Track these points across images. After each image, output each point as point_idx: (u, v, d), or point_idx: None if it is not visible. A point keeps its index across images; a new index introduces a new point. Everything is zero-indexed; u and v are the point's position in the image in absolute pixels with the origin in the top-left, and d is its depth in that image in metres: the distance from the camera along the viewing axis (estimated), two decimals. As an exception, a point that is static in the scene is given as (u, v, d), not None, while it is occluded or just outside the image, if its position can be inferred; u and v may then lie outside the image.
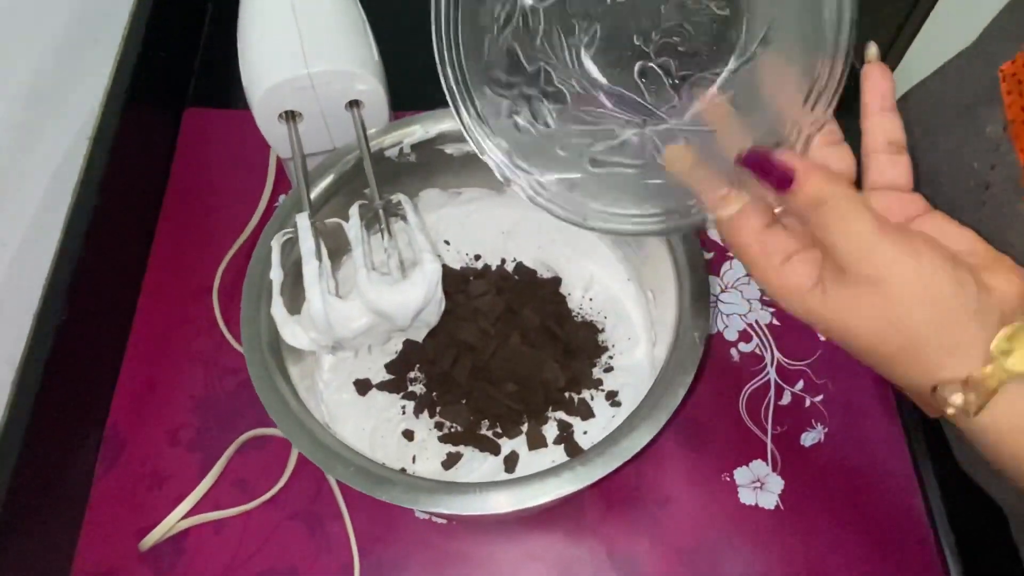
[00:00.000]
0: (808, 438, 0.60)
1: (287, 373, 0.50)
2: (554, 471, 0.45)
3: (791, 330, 0.64)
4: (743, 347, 0.63)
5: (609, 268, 0.61)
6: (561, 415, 0.56)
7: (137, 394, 0.62)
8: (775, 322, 0.64)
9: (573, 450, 0.54)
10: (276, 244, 0.52)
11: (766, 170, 0.36)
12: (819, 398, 0.61)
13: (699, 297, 0.49)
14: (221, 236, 0.67)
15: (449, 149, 0.58)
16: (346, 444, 0.47)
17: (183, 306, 0.65)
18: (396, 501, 0.44)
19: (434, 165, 0.59)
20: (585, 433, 0.55)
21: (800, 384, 0.62)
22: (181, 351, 0.63)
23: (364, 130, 0.54)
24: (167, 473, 0.59)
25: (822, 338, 0.63)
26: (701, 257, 0.50)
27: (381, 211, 0.53)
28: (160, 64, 0.72)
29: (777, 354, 0.63)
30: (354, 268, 0.51)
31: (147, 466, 0.59)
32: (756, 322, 0.64)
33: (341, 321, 0.50)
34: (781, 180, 0.35)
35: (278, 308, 0.50)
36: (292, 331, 0.50)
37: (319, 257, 0.51)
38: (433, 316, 0.52)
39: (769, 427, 0.60)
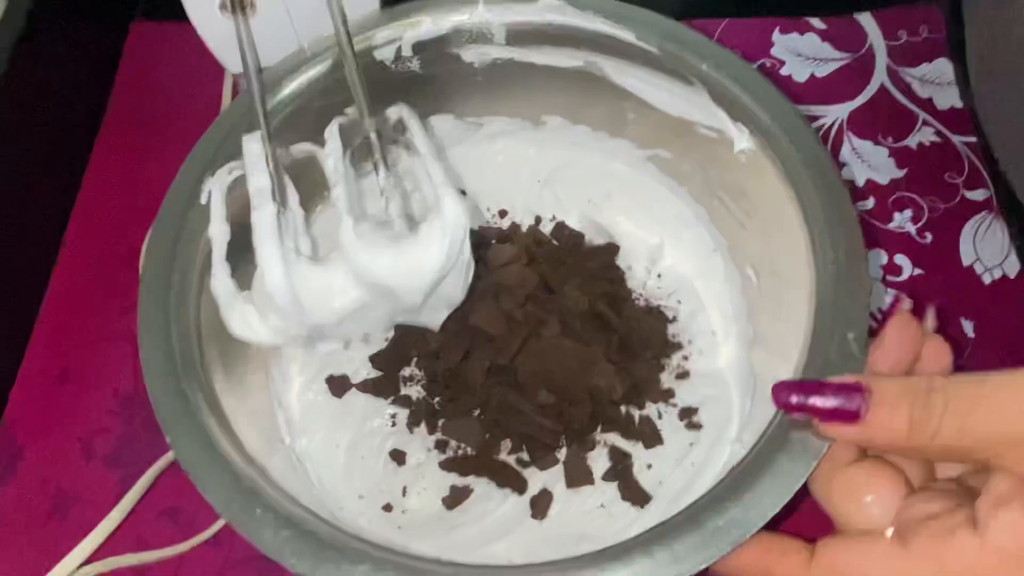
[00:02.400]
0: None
1: (207, 373, 0.35)
2: (635, 548, 0.29)
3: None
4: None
5: (687, 232, 0.45)
6: (615, 439, 0.41)
7: (42, 387, 0.48)
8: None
9: (632, 492, 0.40)
10: (217, 186, 0.37)
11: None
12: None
13: (853, 275, 0.32)
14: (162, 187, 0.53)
15: (469, 55, 0.42)
16: (282, 487, 0.32)
17: (110, 273, 0.51)
18: None
19: (447, 79, 0.43)
20: (650, 467, 0.41)
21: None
22: (103, 331, 0.49)
23: (344, 20, 0.37)
24: (76, 496, 0.45)
25: (970, 334, 0.48)
26: (852, 211, 0.34)
27: (373, 135, 0.37)
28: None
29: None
30: (336, 217, 0.35)
31: (50, 486, 0.46)
32: (878, 310, 0.49)
33: (316, 298, 0.35)
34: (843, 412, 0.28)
35: (222, 281, 0.35)
36: (243, 317, 0.35)
37: (280, 200, 0.35)
38: (458, 289, 0.36)
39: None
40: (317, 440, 0.43)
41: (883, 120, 0.56)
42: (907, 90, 0.57)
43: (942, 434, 0.26)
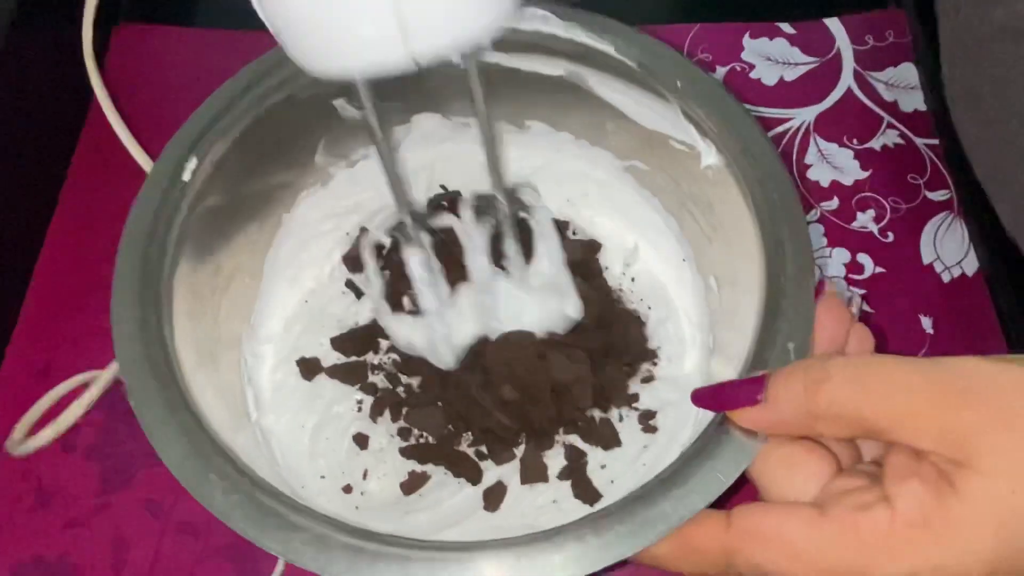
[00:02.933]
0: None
1: (175, 346, 0.36)
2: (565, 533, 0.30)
3: (890, 321, 0.50)
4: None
5: (660, 242, 0.46)
6: (574, 440, 0.42)
7: (25, 380, 0.47)
8: (867, 308, 0.51)
9: (584, 490, 0.40)
10: (368, 248, 0.44)
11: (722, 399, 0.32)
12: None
13: (798, 287, 0.34)
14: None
15: (456, 56, 0.41)
16: (241, 457, 0.33)
17: (93, 267, 0.50)
18: (294, 559, 0.30)
19: (434, 78, 0.41)
20: (604, 467, 0.41)
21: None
22: (87, 325, 0.48)
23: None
24: (56, 488, 0.45)
25: (929, 331, 0.50)
26: (804, 228, 0.35)
27: (503, 203, 0.40)
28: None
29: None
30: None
31: (31, 478, 0.45)
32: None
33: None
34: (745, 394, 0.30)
35: (393, 326, 0.43)
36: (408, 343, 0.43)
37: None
38: None
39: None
40: (284, 420, 0.43)
41: (849, 122, 0.57)
42: (873, 93, 0.58)
43: (837, 398, 0.28)
